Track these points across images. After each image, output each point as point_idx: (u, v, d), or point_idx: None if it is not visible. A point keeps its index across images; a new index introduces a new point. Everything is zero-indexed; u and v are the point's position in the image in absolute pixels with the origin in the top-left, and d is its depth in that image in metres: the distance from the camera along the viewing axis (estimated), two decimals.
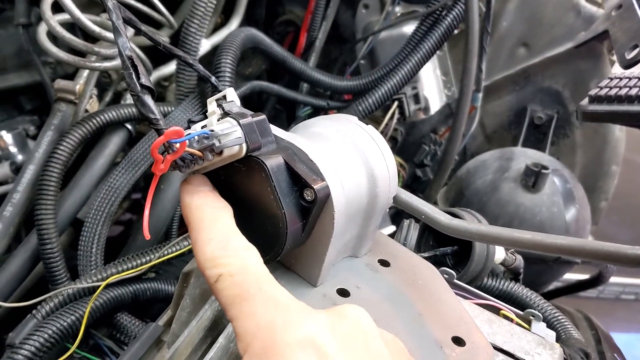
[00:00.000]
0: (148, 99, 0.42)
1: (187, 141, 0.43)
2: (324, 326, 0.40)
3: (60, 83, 1.27)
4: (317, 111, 1.69)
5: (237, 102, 0.50)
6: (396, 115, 1.67)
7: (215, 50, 1.35)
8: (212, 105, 0.50)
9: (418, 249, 1.00)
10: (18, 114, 1.72)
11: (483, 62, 1.62)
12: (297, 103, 1.70)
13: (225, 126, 0.46)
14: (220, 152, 0.46)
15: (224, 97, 0.50)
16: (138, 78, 0.41)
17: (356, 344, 0.40)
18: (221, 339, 0.55)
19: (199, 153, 0.46)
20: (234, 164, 0.49)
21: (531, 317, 0.84)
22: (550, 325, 0.93)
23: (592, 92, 1.04)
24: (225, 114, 0.47)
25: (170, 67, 1.56)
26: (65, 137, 1.13)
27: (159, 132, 0.42)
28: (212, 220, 0.47)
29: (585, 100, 1.07)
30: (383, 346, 0.42)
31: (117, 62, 1.18)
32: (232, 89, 0.50)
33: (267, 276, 0.43)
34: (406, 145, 1.93)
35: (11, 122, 1.67)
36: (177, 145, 0.43)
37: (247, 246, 0.45)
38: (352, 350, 0.39)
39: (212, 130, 0.45)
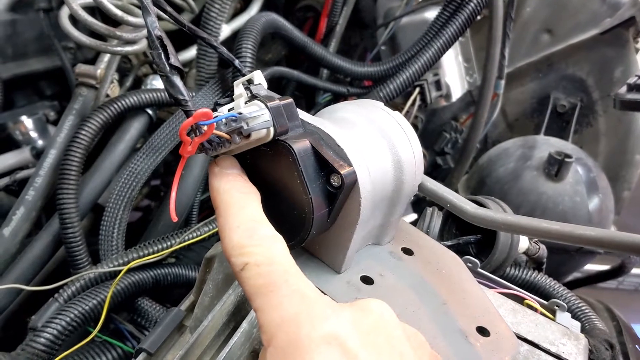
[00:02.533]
0: (177, 80, 0.41)
1: (214, 123, 0.43)
2: (348, 322, 0.40)
3: (82, 67, 1.27)
4: (336, 98, 1.67)
5: (265, 85, 0.49)
6: (417, 102, 1.65)
7: (235, 36, 1.34)
8: (238, 88, 0.49)
9: (441, 237, 0.99)
10: (38, 99, 1.74)
11: (506, 49, 1.60)
12: (316, 89, 1.69)
13: (253, 109, 0.45)
14: (248, 135, 0.45)
15: (251, 79, 0.49)
16: (167, 58, 0.40)
17: (379, 339, 0.40)
18: (245, 324, 0.55)
19: (227, 136, 0.45)
20: (260, 147, 0.49)
21: (555, 307, 0.82)
22: (574, 316, 0.92)
23: (631, 80, 1.03)
24: (253, 97, 0.47)
25: (191, 53, 1.56)
26: (87, 121, 1.14)
27: (188, 114, 0.41)
28: (240, 206, 0.46)
29: (624, 89, 1.05)
30: (405, 341, 0.41)
31: (138, 46, 1.17)
32: (259, 71, 0.49)
33: (294, 268, 0.43)
34: (426, 132, 1.92)
35: (31, 108, 1.68)
36: (205, 127, 0.42)
37: (274, 235, 0.45)
38: (375, 345, 0.39)
39: (240, 113, 0.45)
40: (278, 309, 0.39)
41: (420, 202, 1.61)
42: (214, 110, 0.48)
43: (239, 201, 0.46)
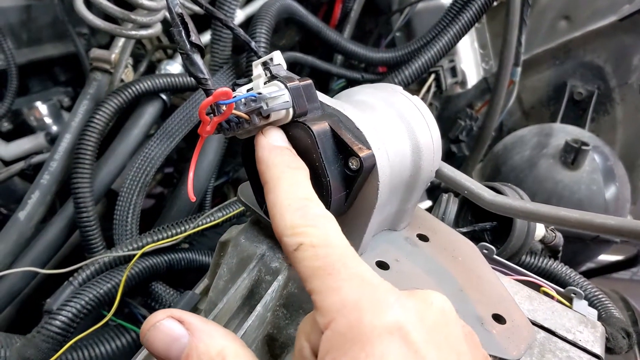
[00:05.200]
0: (197, 58, 0.40)
1: (234, 103, 0.42)
2: (412, 313, 0.38)
3: (96, 52, 1.27)
4: (350, 84, 1.66)
5: (284, 65, 0.48)
6: (432, 89, 1.64)
7: (249, 22, 1.34)
8: (257, 68, 0.48)
9: (456, 224, 0.99)
10: (52, 85, 1.74)
11: (523, 35, 1.58)
12: (330, 75, 1.68)
13: (273, 89, 0.45)
14: (267, 116, 0.45)
15: (270, 60, 0.48)
16: (188, 36, 0.40)
17: (440, 335, 0.38)
18: (259, 308, 0.54)
19: (246, 116, 0.44)
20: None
21: (572, 295, 0.82)
22: (590, 304, 0.91)
23: None
24: (273, 77, 0.46)
25: (204, 38, 1.55)
26: (102, 106, 1.14)
27: (208, 93, 0.40)
28: (291, 182, 0.45)
29: None
30: (463, 340, 0.40)
31: (153, 30, 1.17)
32: (278, 52, 0.48)
33: (350, 250, 0.42)
34: (441, 120, 1.90)
35: (46, 93, 1.69)
36: (224, 107, 0.41)
37: (326, 214, 0.44)
38: (436, 341, 0.37)
39: (260, 93, 0.44)
40: (338, 293, 0.38)
41: (434, 189, 1.60)
42: (233, 90, 0.47)
43: (290, 177, 0.45)
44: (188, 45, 0.40)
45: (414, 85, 1.62)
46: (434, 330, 0.38)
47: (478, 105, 1.88)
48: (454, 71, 1.70)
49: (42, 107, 1.63)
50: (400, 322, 0.37)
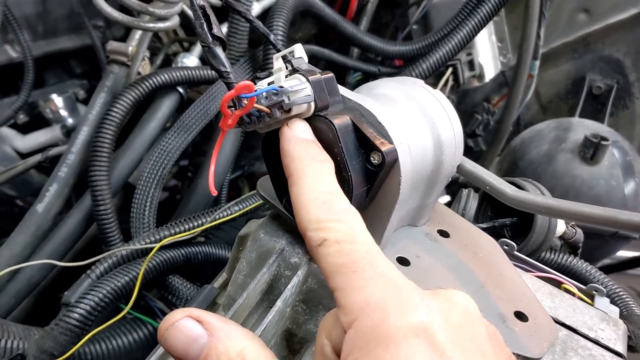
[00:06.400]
0: (219, 51, 0.40)
1: (255, 97, 0.42)
2: (437, 314, 0.37)
3: (113, 45, 1.27)
4: (367, 77, 1.65)
5: (305, 58, 0.48)
6: (450, 83, 1.63)
7: (265, 14, 1.33)
8: (278, 61, 0.48)
9: (476, 219, 0.97)
10: (68, 77, 1.75)
11: (542, 28, 1.55)
12: (346, 69, 1.67)
13: (295, 83, 0.44)
14: (289, 110, 0.44)
15: (291, 53, 0.48)
16: (210, 28, 0.39)
17: (465, 337, 0.37)
18: (279, 303, 0.54)
19: (267, 110, 0.44)
20: None
21: (594, 292, 0.80)
22: (611, 302, 0.90)
23: None
24: (294, 70, 0.45)
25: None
26: (119, 98, 1.14)
27: (229, 86, 0.40)
28: (316, 176, 0.44)
29: None
30: (488, 341, 0.39)
31: (170, 22, 1.17)
32: (300, 45, 0.48)
33: (375, 247, 0.41)
34: (457, 114, 1.88)
35: (62, 86, 1.70)
36: (246, 100, 0.41)
37: (351, 209, 0.43)
38: (462, 343, 0.37)
39: (282, 87, 0.43)
40: (362, 292, 0.38)
41: (452, 184, 1.59)
42: (254, 84, 0.46)
43: (315, 170, 0.44)
44: (210, 38, 0.40)
45: (431, 79, 1.61)
46: (459, 331, 0.37)
47: (495, 99, 1.86)
48: (471, 64, 1.69)
49: (57, 100, 1.64)
50: (425, 323, 0.36)
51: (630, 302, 0.91)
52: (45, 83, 1.70)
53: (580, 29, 1.74)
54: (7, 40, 1.47)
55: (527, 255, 0.87)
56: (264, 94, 0.43)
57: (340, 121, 0.47)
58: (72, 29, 1.62)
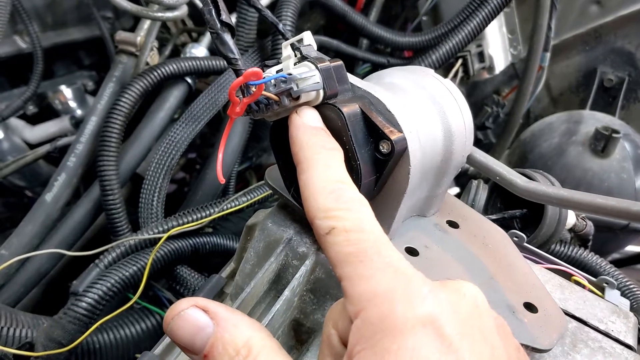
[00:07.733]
0: (228, 38, 0.39)
1: (264, 84, 0.41)
2: (446, 305, 0.37)
3: (122, 35, 1.27)
4: (376, 68, 1.64)
5: (314, 46, 0.47)
6: (459, 74, 1.62)
7: (274, 5, 1.33)
8: (287, 49, 0.47)
9: (485, 211, 0.97)
10: (77, 68, 1.76)
11: (553, 20, 1.54)
12: (355, 60, 1.66)
13: (303, 70, 0.43)
14: (297, 97, 0.44)
15: (300, 41, 0.47)
16: (218, 15, 0.39)
17: (473, 329, 0.37)
18: (287, 292, 0.54)
19: (275, 97, 0.43)
20: None
21: (604, 285, 0.80)
22: (622, 294, 0.89)
23: None
24: (303, 58, 0.45)
25: None
26: (128, 89, 1.14)
27: (238, 73, 0.39)
28: (325, 164, 0.43)
29: None
30: (496, 333, 0.38)
31: (179, 12, 1.16)
32: (309, 32, 0.47)
33: (384, 237, 0.40)
34: None
35: (70, 77, 1.71)
36: (254, 88, 0.41)
37: (360, 198, 0.42)
38: (470, 334, 0.36)
39: (290, 74, 0.43)
40: (370, 282, 0.37)
41: (461, 176, 1.58)
42: (262, 71, 0.46)
43: (324, 158, 0.44)
44: (218, 25, 0.39)
45: (440, 71, 1.60)
46: (467, 323, 0.37)
47: (505, 91, 1.85)
48: (481, 56, 1.67)
49: (66, 91, 1.65)
50: (433, 315, 0.35)
51: None
52: (54, 74, 1.70)
53: (592, 20, 1.73)
54: (17, 31, 1.48)
55: (537, 247, 0.86)
56: (273, 81, 0.43)
57: (349, 109, 0.46)
58: (81, 20, 1.62)
